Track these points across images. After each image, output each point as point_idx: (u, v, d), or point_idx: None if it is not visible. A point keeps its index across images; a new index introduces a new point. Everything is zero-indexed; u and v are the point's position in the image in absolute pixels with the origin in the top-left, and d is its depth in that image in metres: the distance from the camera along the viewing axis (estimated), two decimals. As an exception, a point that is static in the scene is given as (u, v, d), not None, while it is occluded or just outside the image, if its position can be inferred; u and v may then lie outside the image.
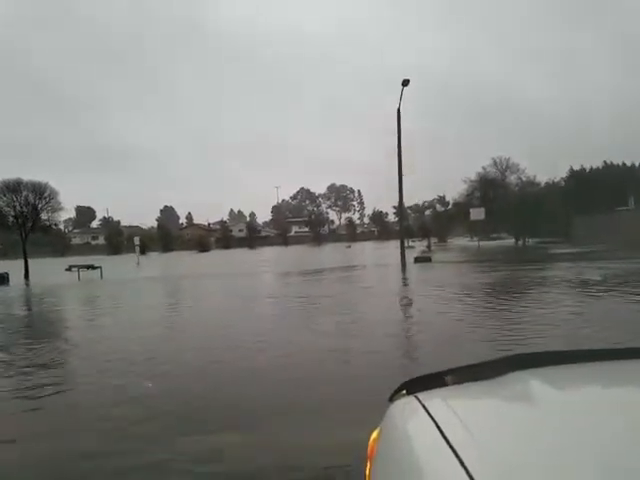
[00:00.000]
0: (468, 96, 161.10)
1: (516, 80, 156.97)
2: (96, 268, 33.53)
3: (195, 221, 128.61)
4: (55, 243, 79.54)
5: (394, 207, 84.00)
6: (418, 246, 51.85)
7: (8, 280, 28.78)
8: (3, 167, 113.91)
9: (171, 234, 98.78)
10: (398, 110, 29.57)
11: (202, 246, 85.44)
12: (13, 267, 33.98)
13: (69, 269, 34.70)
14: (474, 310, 11.33)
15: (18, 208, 34.71)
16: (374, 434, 1.21)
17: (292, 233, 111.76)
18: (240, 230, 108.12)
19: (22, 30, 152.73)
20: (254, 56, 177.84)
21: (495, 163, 55.23)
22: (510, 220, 47.10)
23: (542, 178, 55.80)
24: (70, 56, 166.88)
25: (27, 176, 36.97)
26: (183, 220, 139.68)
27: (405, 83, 28.47)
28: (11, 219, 35.20)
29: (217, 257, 58.31)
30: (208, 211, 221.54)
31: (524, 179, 54.50)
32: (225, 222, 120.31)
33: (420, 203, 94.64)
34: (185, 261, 52.88)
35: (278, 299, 15.41)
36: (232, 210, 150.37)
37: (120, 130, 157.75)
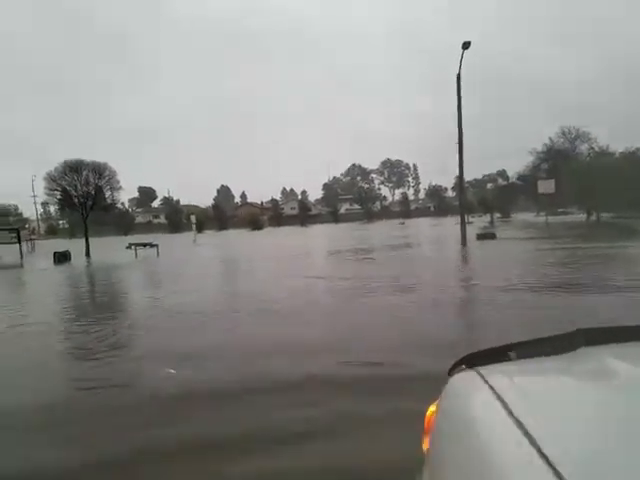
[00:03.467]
0: (527, 68, 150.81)
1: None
2: (154, 246, 33.78)
3: (249, 200, 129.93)
4: (119, 222, 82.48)
5: (454, 180, 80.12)
6: (477, 222, 48.87)
7: (70, 258, 29.37)
8: (70, 150, 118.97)
9: (226, 213, 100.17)
10: (458, 76, 26.93)
11: (254, 224, 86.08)
12: (77, 245, 34.82)
13: (129, 247, 35.21)
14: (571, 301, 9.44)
15: (79, 188, 35.32)
16: (431, 408, 1.19)
17: (343, 211, 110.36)
18: (292, 208, 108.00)
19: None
20: (302, 26, 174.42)
21: (564, 133, 50.91)
22: (581, 193, 43.20)
23: (617, 147, 50.83)
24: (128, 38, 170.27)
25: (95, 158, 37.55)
26: (238, 199, 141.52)
27: (466, 45, 25.75)
28: (75, 199, 35.92)
29: (269, 235, 58.01)
30: (262, 190, 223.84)
31: (596, 149, 49.86)
32: (277, 201, 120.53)
33: (480, 177, 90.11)
34: (237, 239, 52.86)
35: (351, 280, 13.83)
36: (284, 189, 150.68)
37: (182, 114, 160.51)
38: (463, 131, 27.38)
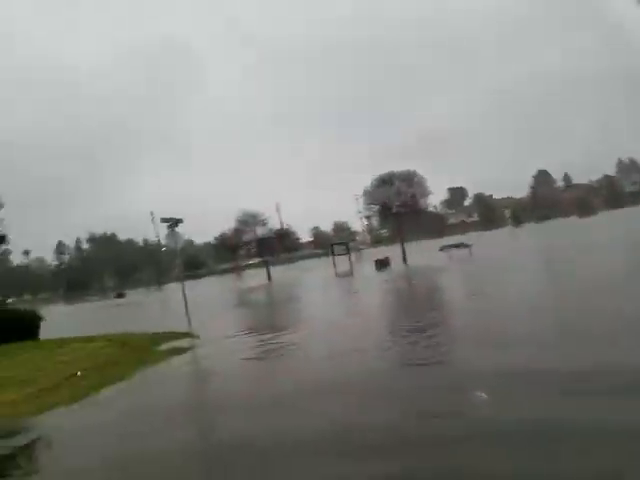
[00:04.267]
0: None
1: None
2: (467, 246, 32.79)
3: (574, 182, 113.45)
4: (432, 225, 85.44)
5: None
6: None
7: (389, 264, 31.28)
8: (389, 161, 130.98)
9: (546, 200, 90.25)
10: None
11: (583, 209, 74.04)
12: (396, 251, 36.99)
13: (442, 249, 35.26)
14: None
15: (392, 198, 37.62)
16: None
17: None
18: (634, 183, 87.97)
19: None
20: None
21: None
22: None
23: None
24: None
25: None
26: (560, 182, 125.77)
27: None
28: (389, 209, 38.52)
29: (615, 221, 48.20)
30: (590, 166, 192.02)
31: None
32: (612, 177, 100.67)
33: None
34: (567, 229, 45.93)
35: None
36: (619, 160, 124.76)
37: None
38: None
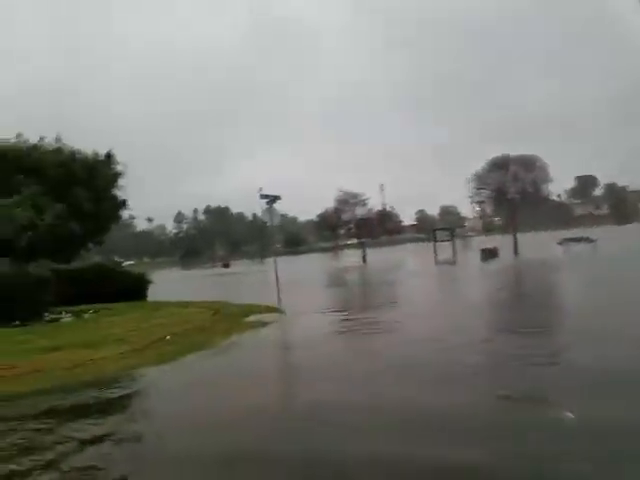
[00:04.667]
0: None
1: None
2: (591, 241, 29.36)
3: None
4: (554, 215, 78.18)
5: None
6: None
7: (497, 255, 29.02)
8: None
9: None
10: None
11: None
12: (508, 242, 34.22)
13: (561, 243, 32.08)
14: None
15: (507, 184, 34.71)
16: None
17: None
18: None
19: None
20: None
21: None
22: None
23: None
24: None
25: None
26: None
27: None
28: (503, 195, 35.68)
29: None
30: None
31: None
32: None
33: None
34: None
35: None
36: None
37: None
38: None
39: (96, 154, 24.06)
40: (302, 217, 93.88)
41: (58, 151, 21.93)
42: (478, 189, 34.77)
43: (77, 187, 20.71)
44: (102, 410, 5.16)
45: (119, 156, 24.21)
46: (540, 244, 34.97)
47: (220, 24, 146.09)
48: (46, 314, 12.08)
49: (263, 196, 17.73)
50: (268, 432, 4.03)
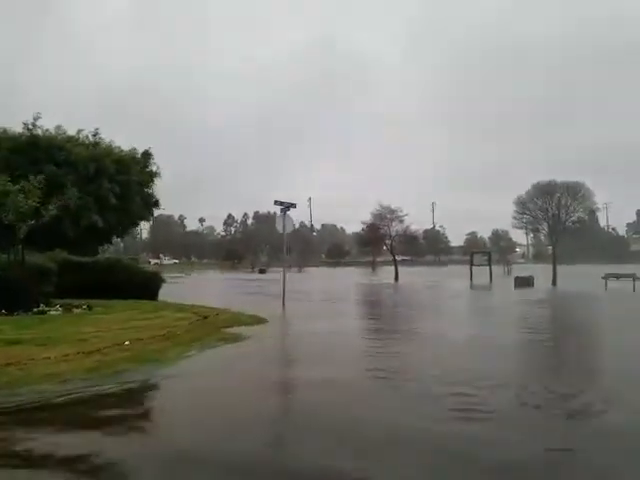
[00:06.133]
0: None
1: None
2: (637, 279, 26.94)
3: None
4: (609, 249, 73.07)
5: None
6: None
7: (532, 283, 27.18)
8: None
9: None
10: None
11: None
12: (548, 272, 32.01)
13: (605, 277, 29.66)
14: None
15: (550, 210, 32.47)
16: None
17: None
18: None
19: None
20: None
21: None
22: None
23: None
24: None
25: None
26: None
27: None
28: (544, 222, 33.47)
29: None
30: None
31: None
32: None
33: None
34: None
35: None
36: None
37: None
38: None
39: (133, 151, 24.43)
40: (350, 229, 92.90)
41: (93, 145, 22.47)
42: (520, 214, 32.73)
43: (105, 181, 21.03)
44: None
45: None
46: (584, 276, 32.55)
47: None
48: (41, 305, 12.07)
49: (278, 202, 17.32)
50: None
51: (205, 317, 12.21)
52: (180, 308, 13.93)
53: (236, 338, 9.64)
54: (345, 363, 7.72)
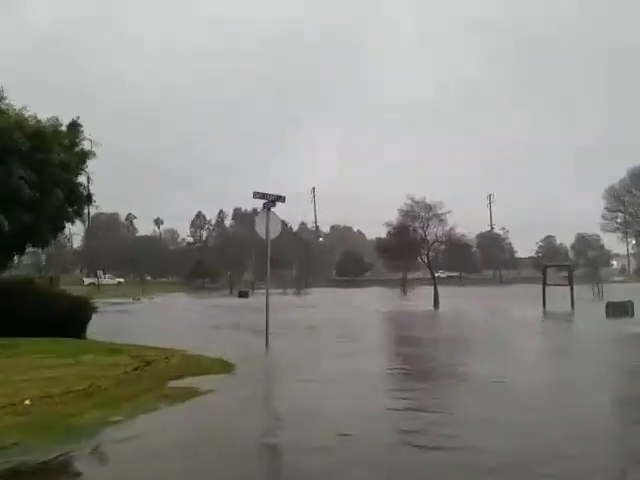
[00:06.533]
0: None
1: None
2: None
3: None
4: None
5: None
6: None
7: (631, 312, 26.84)
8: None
9: None
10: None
11: None
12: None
13: None
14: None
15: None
16: None
17: None
18: None
19: None
20: None
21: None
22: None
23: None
24: None
25: None
26: None
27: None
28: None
29: None
30: None
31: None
32: None
33: None
34: None
35: None
36: None
37: None
38: None
39: (54, 121, 23.36)
40: (372, 233, 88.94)
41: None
42: (612, 212, 32.26)
43: (15, 164, 20.48)
44: None
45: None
46: None
47: None
48: None
49: (259, 195, 17.17)
50: None
51: (148, 363, 12.13)
52: (114, 349, 13.90)
53: (187, 395, 9.45)
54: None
